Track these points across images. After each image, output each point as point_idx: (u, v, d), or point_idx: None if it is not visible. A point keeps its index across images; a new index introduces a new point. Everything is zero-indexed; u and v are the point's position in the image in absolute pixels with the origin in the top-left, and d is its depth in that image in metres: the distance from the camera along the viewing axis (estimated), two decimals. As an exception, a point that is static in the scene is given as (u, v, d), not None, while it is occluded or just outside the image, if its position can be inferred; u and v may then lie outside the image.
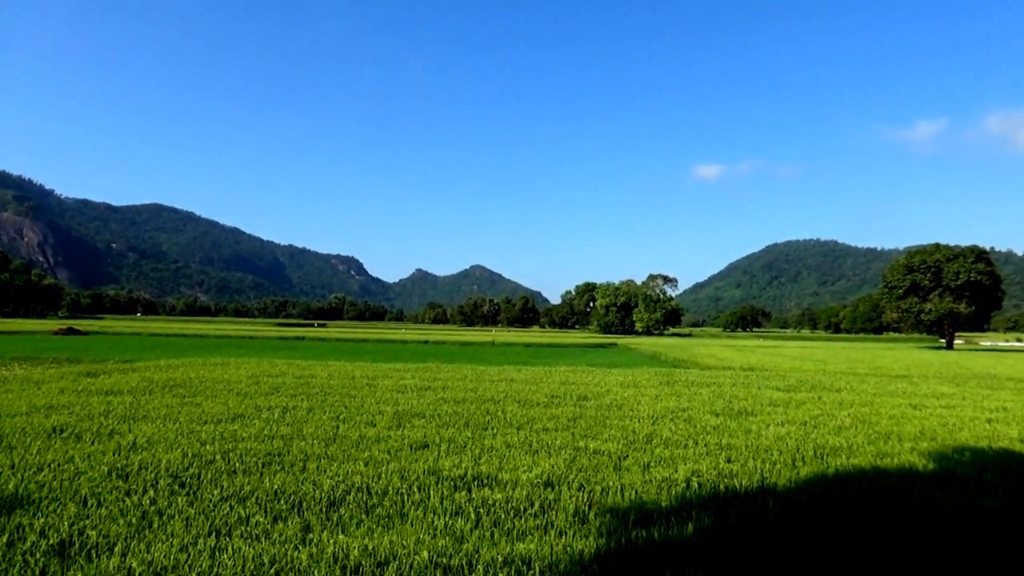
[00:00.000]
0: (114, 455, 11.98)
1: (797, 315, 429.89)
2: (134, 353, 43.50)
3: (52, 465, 11.04)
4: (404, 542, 7.76)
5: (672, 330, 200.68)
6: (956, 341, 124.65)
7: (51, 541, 7.44)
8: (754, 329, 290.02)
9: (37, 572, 6.59)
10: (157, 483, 10.14)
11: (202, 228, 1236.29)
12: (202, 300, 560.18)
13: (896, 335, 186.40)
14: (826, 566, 7.29)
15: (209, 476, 10.68)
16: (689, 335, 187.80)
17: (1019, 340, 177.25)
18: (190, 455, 12.13)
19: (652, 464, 12.59)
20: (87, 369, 29.25)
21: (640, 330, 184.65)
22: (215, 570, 6.77)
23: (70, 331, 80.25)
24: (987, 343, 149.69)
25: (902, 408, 22.56)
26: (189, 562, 6.99)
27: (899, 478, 11.66)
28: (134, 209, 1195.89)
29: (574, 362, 48.08)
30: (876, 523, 8.80)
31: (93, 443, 13.11)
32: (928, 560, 7.55)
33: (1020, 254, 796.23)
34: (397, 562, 7.13)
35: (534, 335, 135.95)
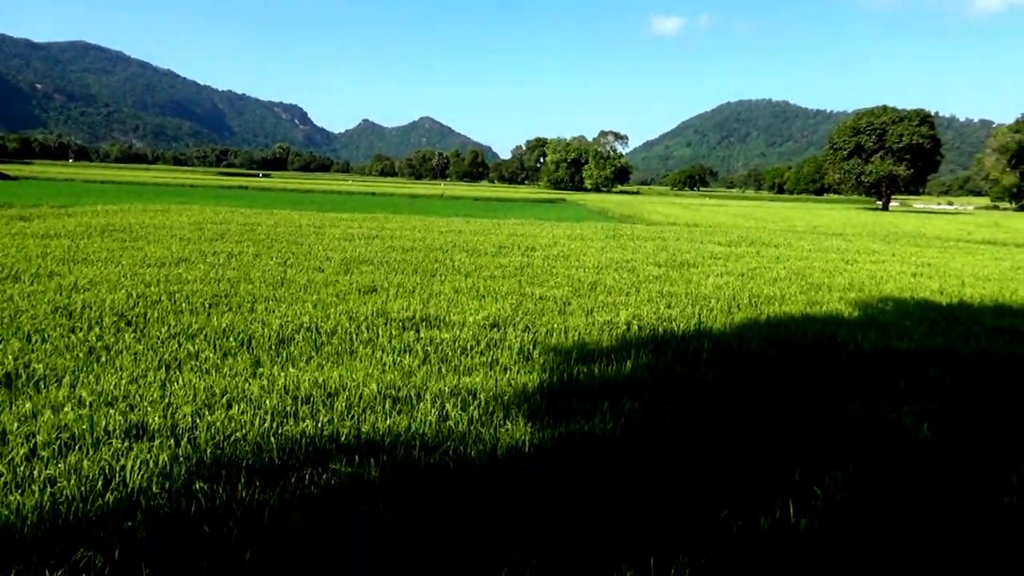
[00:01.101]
0: (56, 295, 11.81)
1: (744, 175, 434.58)
2: (68, 199, 41.95)
3: (-9, 304, 10.85)
4: (353, 376, 8.00)
5: (620, 188, 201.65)
6: (892, 203, 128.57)
7: (-3, 373, 7.44)
8: (701, 189, 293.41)
9: (-14, 401, 6.63)
10: (102, 321, 10.10)
11: (133, 70, 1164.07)
12: (138, 147, 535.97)
13: (836, 197, 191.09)
14: (752, 393, 7.82)
15: (156, 315, 10.67)
16: (637, 193, 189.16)
17: (950, 203, 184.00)
18: (135, 295, 12.04)
19: (595, 309, 13.02)
20: (19, 213, 28.20)
21: (589, 187, 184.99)
22: (166, 399, 6.91)
23: (-3, 176, 76.52)
24: (920, 205, 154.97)
25: (835, 263, 23.52)
26: (140, 392, 7.10)
27: (826, 323, 12.34)
28: (58, 47, 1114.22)
29: (523, 216, 48.27)
30: (803, 360, 9.38)
31: (33, 283, 12.86)
32: (845, 387, 8.16)
33: (962, 120, 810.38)
34: (347, 393, 7.37)
35: (483, 189, 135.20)
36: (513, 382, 8.09)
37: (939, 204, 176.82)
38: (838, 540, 4.57)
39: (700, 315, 12.60)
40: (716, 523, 4.80)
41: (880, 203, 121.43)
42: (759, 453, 6.09)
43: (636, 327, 11.46)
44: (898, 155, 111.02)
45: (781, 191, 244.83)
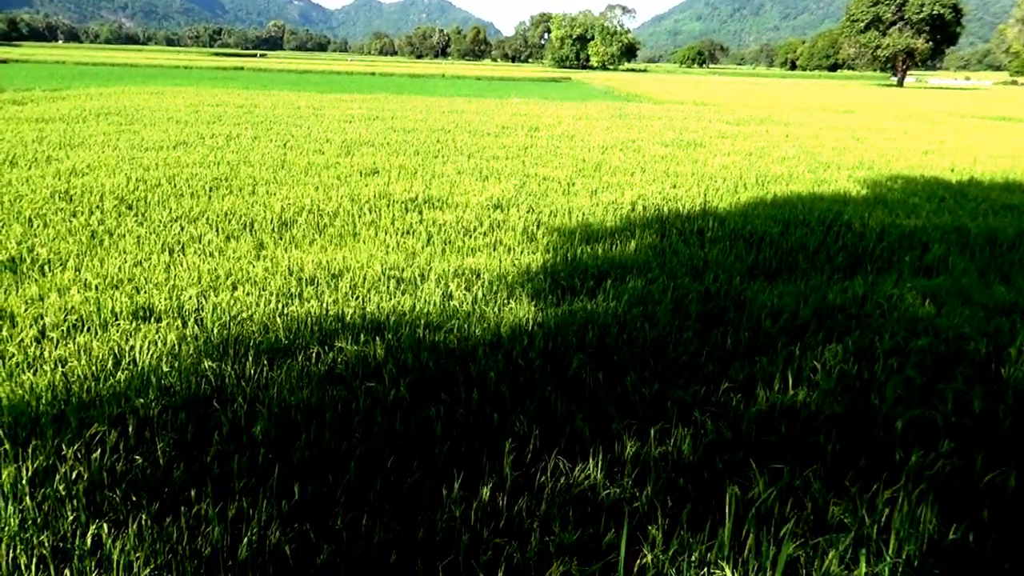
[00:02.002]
0: (54, 179, 11.69)
1: (755, 51, 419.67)
2: (61, 82, 40.88)
3: (-10, 189, 10.75)
4: (357, 258, 8.00)
5: (628, 66, 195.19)
6: (908, 79, 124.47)
7: (0, 258, 7.46)
8: (710, 65, 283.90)
9: (-8, 285, 6.67)
10: (103, 205, 10.04)
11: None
12: (128, 27, 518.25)
13: (850, 73, 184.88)
14: (756, 271, 7.82)
15: (156, 199, 10.59)
16: (644, 71, 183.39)
17: (967, 78, 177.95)
18: (134, 179, 11.91)
19: (600, 190, 12.86)
20: (12, 97, 27.56)
21: (595, 65, 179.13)
22: (171, 282, 6.94)
23: (-15, 59, 74.30)
24: (937, 81, 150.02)
25: (845, 141, 23.02)
26: (145, 275, 7.13)
27: (833, 202, 12.19)
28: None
29: (526, 95, 47.00)
30: (807, 239, 9.32)
31: (30, 168, 12.71)
32: (848, 264, 8.15)
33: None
34: (351, 274, 7.39)
35: (486, 68, 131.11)
36: (517, 262, 8.09)
37: (956, 79, 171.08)
38: (835, 411, 4.67)
39: (706, 195, 12.45)
40: (716, 396, 4.89)
41: (895, 79, 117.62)
42: (759, 330, 6.14)
43: (641, 207, 11.35)
44: (917, 27, 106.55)
45: (794, 67, 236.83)
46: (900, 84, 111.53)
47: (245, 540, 3.19)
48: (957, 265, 8.49)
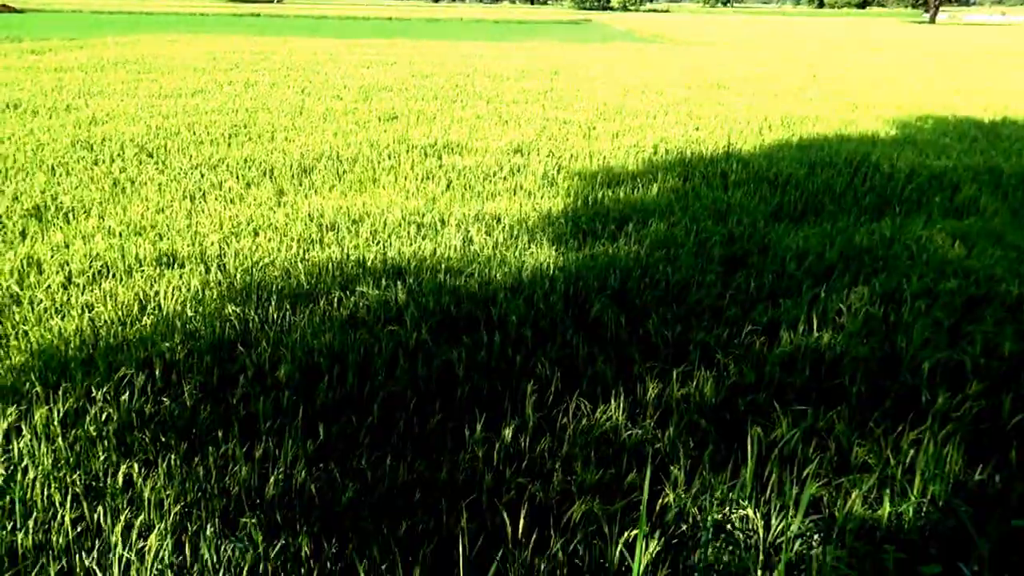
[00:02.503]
0: (75, 128, 11.69)
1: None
2: (78, 31, 40.62)
3: (12, 139, 10.78)
4: (377, 203, 7.96)
5: (649, 6, 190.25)
6: (940, 16, 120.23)
7: (25, 206, 7.51)
8: (735, 5, 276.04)
9: (17, 233, 6.73)
10: (124, 153, 10.04)
11: None
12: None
13: (880, 10, 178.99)
14: (780, 215, 7.69)
15: (176, 146, 10.57)
16: (667, 11, 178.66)
17: (1003, 14, 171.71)
18: (153, 128, 11.88)
19: (621, 133, 12.64)
20: (31, 47, 27.45)
21: (616, 6, 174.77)
22: (193, 228, 6.96)
23: (3, 8, 74.01)
24: (971, 17, 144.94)
25: (873, 80, 22.40)
26: (167, 222, 7.15)
27: (861, 143, 11.90)
28: None
29: (546, 38, 46.05)
30: (834, 180, 9.12)
31: (51, 118, 12.72)
32: (876, 206, 7.98)
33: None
34: (371, 220, 7.36)
35: (504, 10, 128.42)
36: (537, 207, 8.02)
37: (991, 15, 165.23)
38: (861, 354, 4.62)
39: (730, 137, 12.20)
40: (739, 339, 4.85)
41: (927, 16, 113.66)
42: (783, 273, 6.06)
43: (663, 150, 11.15)
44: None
45: (822, 5, 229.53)
46: (932, 21, 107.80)
47: (272, 479, 3.25)
48: (988, 206, 8.29)
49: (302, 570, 2.80)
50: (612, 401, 4.01)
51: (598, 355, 4.59)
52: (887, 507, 3.17)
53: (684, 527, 3.21)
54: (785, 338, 4.82)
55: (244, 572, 2.76)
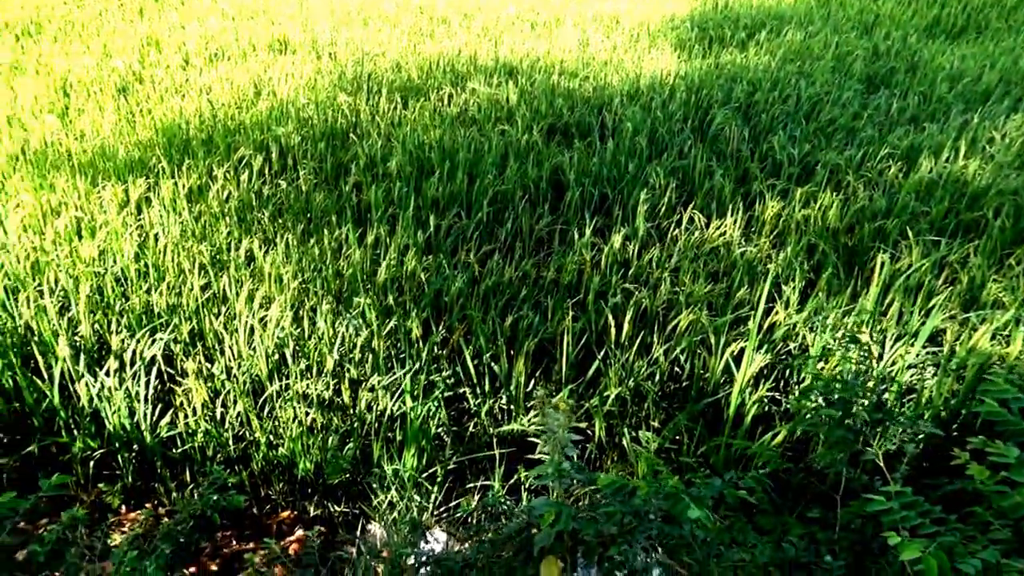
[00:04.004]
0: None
1: None
2: None
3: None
4: (490, -2, 7.54)
5: None
6: None
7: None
8: None
9: (136, 11, 6.76)
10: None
11: None
12: None
13: None
14: (941, 22, 6.87)
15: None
16: None
17: None
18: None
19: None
20: None
21: None
22: (304, 14, 6.81)
23: None
24: None
25: None
26: (278, 7, 7.02)
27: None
28: None
29: None
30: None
31: None
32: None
33: None
34: (483, 15, 7.02)
35: None
36: (660, 9, 7.42)
37: None
38: (1009, 187, 4.21)
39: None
40: (872, 163, 4.49)
41: None
42: (932, 95, 5.48)
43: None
44: None
45: None
46: None
47: (383, 265, 3.32)
48: None
49: (412, 350, 2.91)
50: (728, 217, 3.84)
51: (716, 169, 4.36)
52: (1017, 345, 2.99)
53: (792, 346, 3.14)
54: (924, 165, 4.42)
55: (357, 346, 2.90)
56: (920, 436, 2.35)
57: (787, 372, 3.07)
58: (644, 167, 4.35)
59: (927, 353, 3.04)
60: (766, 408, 2.91)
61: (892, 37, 6.65)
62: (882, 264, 3.30)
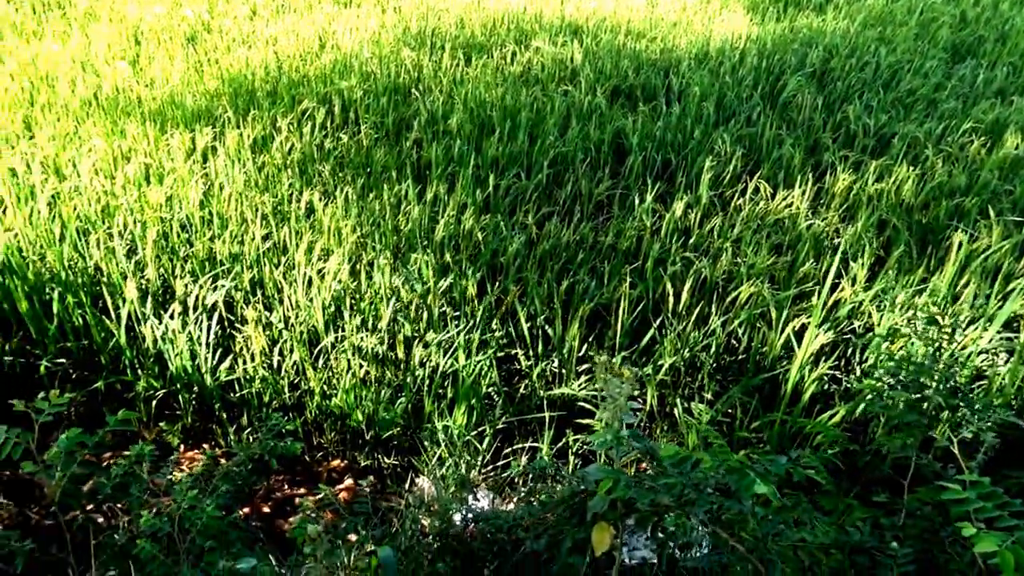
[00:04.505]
0: None
1: None
2: None
3: None
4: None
5: None
6: None
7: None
8: None
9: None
10: None
11: None
12: None
13: None
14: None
15: None
16: None
17: None
18: None
19: None
20: None
21: None
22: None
23: None
24: None
25: None
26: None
27: None
28: None
29: None
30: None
31: None
32: None
33: None
34: (551, -28, 6.85)
35: None
36: (735, -30, 7.15)
37: None
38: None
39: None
40: (953, 137, 4.29)
41: None
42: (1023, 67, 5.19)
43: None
44: None
45: None
46: None
47: (441, 222, 3.31)
48: None
49: (468, 309, 2.90)
50: (795, 188, 3.71)
51: (786, 138, 4.21)
52: (1100, 336, 2.84)
53: (856, 324, 3.04)
54: (1010, 142, 4.19)
55: (413, 302, 2.91)
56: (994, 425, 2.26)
57: (849, 351, 2.98)
58: (710, 133, 4.23)
59: (1002, 339, 2.91)
60: (825, 387, 2.84)
61: (982, 3, 6.30)
62: (959, 244, 3.16)
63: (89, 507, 1.66)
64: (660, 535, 1.37)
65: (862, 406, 2.61)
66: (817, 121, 4.43)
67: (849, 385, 2.84)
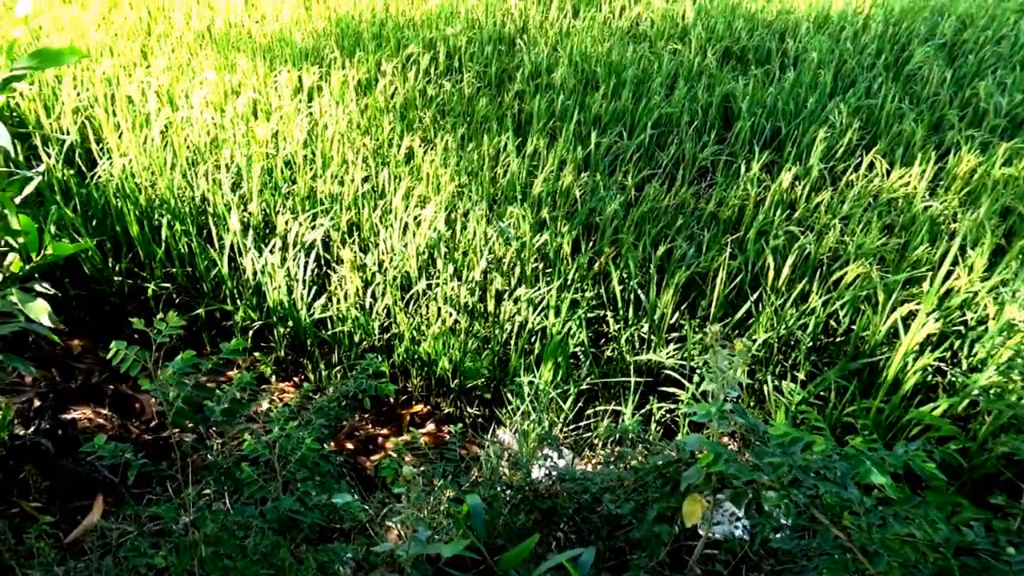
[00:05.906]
0: None
1: None
2: None
3: None
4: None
5: None
6: None
7: None
8: None
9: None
10: None
11: None
12: None
13: None
14: None
15: None
16: None
17: None
18: None
19: None
20: None
21: None
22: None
23: None
24: None
25: None
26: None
27: None
28: None
29: None
30: None
31: None
32: None
33: None
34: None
35: None
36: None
37: None
38: None
39: None
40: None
41: None
42: None
43: None
44: None
45: None
46: None
47: (540, 177, 3.27)
48: None
49: (561, 267, 2.87)
50: (914, 166, 3.50)
51: (907, 112, 3.97)
52: None
53: (969, 316, 2.87)
54: None
55: (507, 257, 2.90)
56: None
57: (957, 343, 2.82)
58: (825, 103, 4.03)
59: None
60: (928, 378, 2.70)
61: None
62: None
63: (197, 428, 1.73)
64: (756, 515, 1.33)
65: (965, 401, 2.47)
66: (943, 96, 4.15)
67: (954, 378, 2.70)
